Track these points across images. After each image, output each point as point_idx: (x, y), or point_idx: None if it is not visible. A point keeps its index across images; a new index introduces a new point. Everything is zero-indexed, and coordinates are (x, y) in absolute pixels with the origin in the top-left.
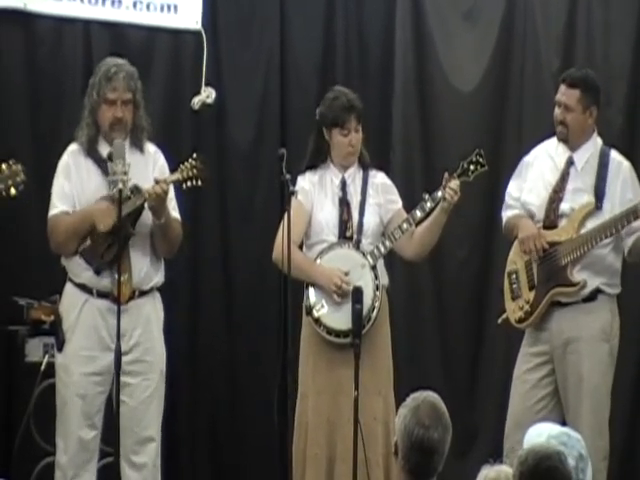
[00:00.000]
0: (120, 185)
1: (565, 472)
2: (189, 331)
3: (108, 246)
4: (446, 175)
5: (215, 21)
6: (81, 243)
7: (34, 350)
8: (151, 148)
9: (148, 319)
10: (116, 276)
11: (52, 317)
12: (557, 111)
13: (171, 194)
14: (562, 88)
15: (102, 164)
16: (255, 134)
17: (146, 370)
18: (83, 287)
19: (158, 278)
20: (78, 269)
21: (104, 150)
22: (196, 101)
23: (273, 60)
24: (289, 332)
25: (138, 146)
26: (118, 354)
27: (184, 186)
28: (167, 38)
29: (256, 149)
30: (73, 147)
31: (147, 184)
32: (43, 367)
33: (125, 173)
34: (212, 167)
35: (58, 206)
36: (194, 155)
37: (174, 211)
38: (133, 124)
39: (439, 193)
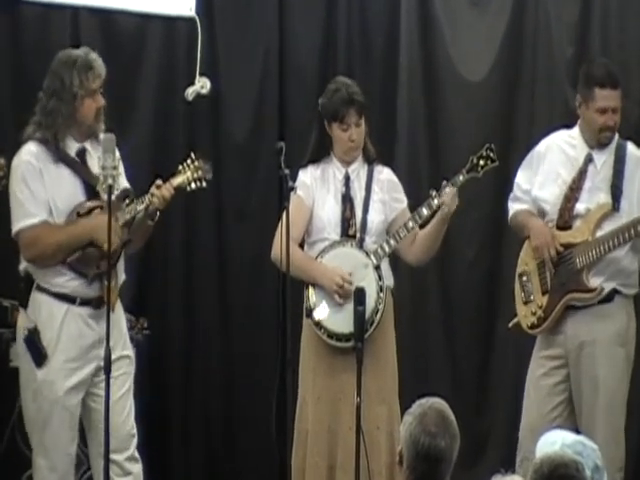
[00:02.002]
0: (110, 180)
1: None
2: (184, 332)
3: (103, 256)
4: (444, 183)
5: (210, 7)
6: (67, 257)
7: (19, 354)
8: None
9: (118, 318)
10: (105, 283)
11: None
12: (603, 118)
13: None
14: (604, 93)
15: (74, 164)
16: (252, 126)
17: (124, 365)
18: (63, 297)
19: (124, 276)
20: (59, 278)
21: (71, 149)
22: (190, 92)
23: (271, 48)
24: (288, 334)
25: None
26: (108, 359)
27: (188, 188)
28: (159, 25)
29: (253, 142)
30: (34, 147)
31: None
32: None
33: (115, 168)
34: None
35: (36, 214)
36: (192, 155)
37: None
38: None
39: (435, 201)
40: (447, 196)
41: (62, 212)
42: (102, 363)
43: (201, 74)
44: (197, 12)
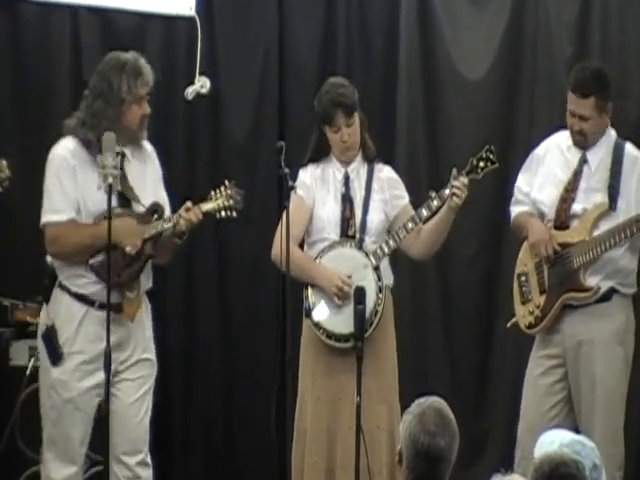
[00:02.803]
0: (110, 180)
1: None
2: (184, 333)
3: (127, 265)
4: (454, 172)
5: (210, 7)
6: (92, 256)
7: (19, 353)
8: (148, 146)
9: (142, 324)
10: (126, 292)
11: (38, 318)
12: (572, 121)
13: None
14: (574, 98)
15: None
16: (252, 126)
17: (144, 368)
18: (83, 298)
19: (149, 284)
20: (80, 280)
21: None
22: (190, 91)
23: (271, 47)
24: (287, 334)
25: (139, 143)
26: (108, 356)
27: (218, 215)
28: (159, 25)
29: (253, 142)
30: (71, 144)
31: (147, 187)
32: (29, 371)
33: (115, 167)
34: (206, 161)
35: (63, 211)
36: (226, 182)
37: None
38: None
39: (446, 191)
40: (460, 184)
41: (91, 214)
42: (120, 367)
43: (201, 73)
44: (197, 11)
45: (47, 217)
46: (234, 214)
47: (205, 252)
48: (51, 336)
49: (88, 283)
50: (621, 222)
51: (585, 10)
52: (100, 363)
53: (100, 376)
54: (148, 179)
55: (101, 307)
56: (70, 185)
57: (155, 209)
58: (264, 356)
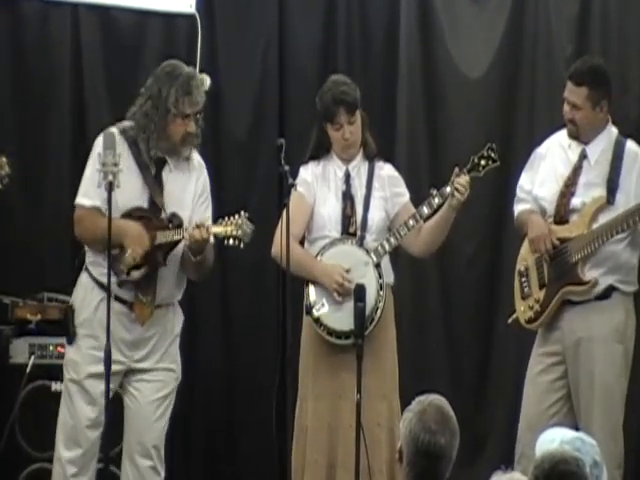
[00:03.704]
0: (110, 177)
1: (582, 477)
2: (184, 332)
3: (136, 266)
4: (456, 170)
5: (210, 4)
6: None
7: (19, 351)
8: (197, 159)
9: (165, 328)
10: (139, 294)
11: (39, 316)
12: (566, 108)
13: (208, 214)
14: (569, 85)
15: (147, 173)
16: (252, 123)
17: (161, 375)
18: (101, 285)
19: (179, 294)
20: (100, 266)
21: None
22: None
23: (271, 45)
24: (287, 332)
25: (185, 162)
26: (108, 354)
27: (225, 242)
28: (159, 22)
29: (253, 139)
30: (119, 136)
31: (185, 201)
32: (29, 369)
33: (115, 165)
34: (206, 158)
35: (92, 197)
36: (242, 213)
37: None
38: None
39: (447, 189)
40: (462, 181)
41: (119, 210)
42: (137, 366)
43: (201, 71)
44: (197, 9)
45: (77, 198)
46: (240, 245)
47: None
48: (69, 315)
49: (104, 273)
50: (619, 214)
51: (585, 8)
52: (114, 355)
53: (114, 368)
54: (187, 192)
55: (117, 299)
56: None
57: (171, 219)
58: (265, 355)
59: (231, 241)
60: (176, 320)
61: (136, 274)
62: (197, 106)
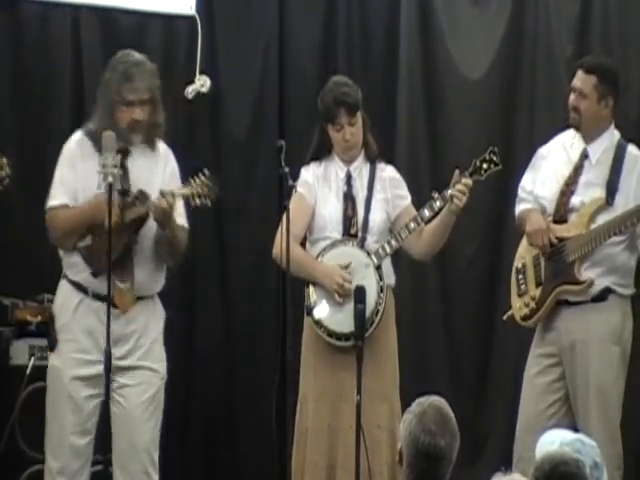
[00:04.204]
0: (110, 179)
1: (582, 479)
2: (184, 332)
3: (107, 251)
4: (456, 173)
5: (210, 6)
6: (80, 239)
7: (19, 352)
8: (162, 147)
9: (146, 325)
10: (117, 282)
11: (39, 317)
12: (571, 97)
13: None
14: (578, 73)
15: None
16: (252, 125)
17: (144, 375)
18: (78, 286)
19: (159, 285)
20: (75, 266)
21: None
22: (190, 90)
23: (271, 46)
24: (288, 333)
25: (150, 145)
26: (108, 358)
27: (192, 203)
28: (160, 24)
29: (253, 140)
30: (80, 136)
31: (154, 186)
32: (29, 370)
33: (115, 166)
34: (206, 159)
35: (59, 198)
36: (204, 171)
37: (180, 217)
38: (149, 122)
39: (449, 191)
40: (461, 187)
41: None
42: (119, 363)
43: (201, 72)
44: (197, 10)
45: (46, 206)
46: (208, 203)
47: (205, 251)
48: (49, 322)
49: (79, 269)
50: (617, 216)
51: (585, 8)
52: (95, 355)
53: (95, 369)
54: (155, 179)
55: (95, 297)
56: (69, 174)
57: (137, 196)
58: (265, 356)
59: (198, 201)
60: (157, 316)
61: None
62: (139, 93)
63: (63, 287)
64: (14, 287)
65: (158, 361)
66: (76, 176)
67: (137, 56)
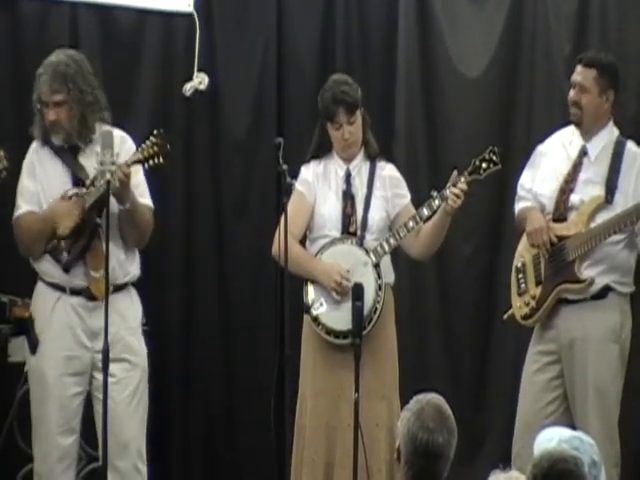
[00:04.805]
0: (108, 175)
1: (580, 476)
2: (182, 331)
3: (74, 241)
4: (454, 174)
5: (208, 3)
6: (47, 244)
7: (18, 350)
8: (118, 136)
9: (123, 316)
10: (91, 272)
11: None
12: (571, 92)
13: (139, 179)
14: (578, 68)
15: (62, 154)
16: (250, 122)
17: (124, 369)
18: (55, 286)
19: (133, 271)
20: (49, 268)
21: (58, 142)
22: (188, 88)
23: (270, 44)
24: (286, 332)
25: (84, 144)
26: (106, 353)
27: (146, 165)
28: (158, 21)
29: (252, 138)
30: (34, 144)
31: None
32: (27, 368)
33: (113, 163)
34: (205, 157)
35: (22, 207)
36: (154, 132)
37: (143, 198)
38: (77, 125)
39: (447, 191)
40: (456, 190)
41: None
42: (99, 357)
43: (199, 70)
44: (195, 8)
45: (13, 218)
46: (161, 160)
47: (203, 249)
48: (28, 325)
49: (54, 270)
50: (617, 214)
51: (584, 6)
52: (76, 351)
53: (77, 365)
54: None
55: (73, 293)
56: (29, 182)
57: (93, 181)
58: (264, 355)
59: (151, 162)
60: (134, 307)
61: (77, 247)
62: (45, 95)
63: (39, 290)
64: (12, 284)
65: (137, 354)
66: (36, 184)
67: (56, 55)
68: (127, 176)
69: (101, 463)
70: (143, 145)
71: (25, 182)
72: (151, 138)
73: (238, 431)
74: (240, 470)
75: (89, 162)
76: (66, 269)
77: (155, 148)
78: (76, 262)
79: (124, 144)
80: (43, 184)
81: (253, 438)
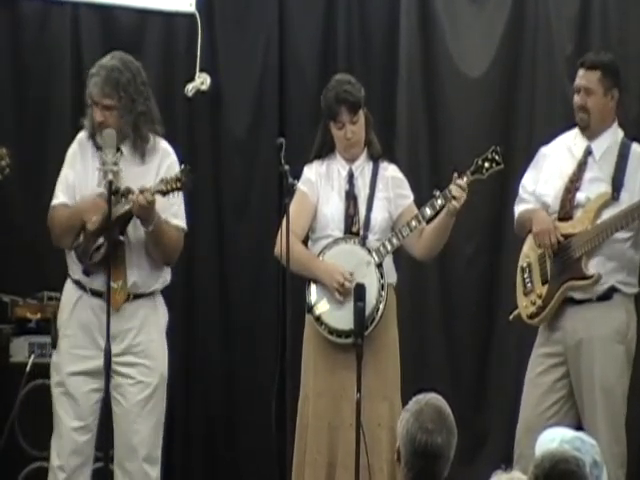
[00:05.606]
0: (110, 176)
1: (582, 477)
2: (183, 331)
3: (97, 248)
4: (455, 176)
5: (210, 3)
6: (76, 239)
7: (19, 350)
8: (162, 146)
9: (144, 322)
10: (110, 282)
11: (39, 315)
12: (576, 97)
13: (174, 199)
14: (581, 72)
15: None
16: (252, 122)
17: (141, 373)
18: (78, 283)
19: (159, 284)
20: (74, 265)
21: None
22: (190, 88)
23: (271, 44)
24: (287, 332)
25: (138, 153)
26: (108, 355)
27: (169, 195)
28: (159, 21)
29: (253, 138)
30: (82, 135)
31: (146, 182)
32: (28, 368)
33: (115, 163)
34: (206, 158)
35: (59, 197)
36: (181, 166)
37: (175, 218)
38: (132, 134)
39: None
40: (455, 191)
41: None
42: (116, 360)
43: (201, 70)
44: (197, 8)
45: (50, 204)
46: (180, 193)
47: (205, 249)
48: (52, 320)
49: (77, 269)
50: (622, 210)
51: (585, 6)
52: (93, 351)
53: (93, 364)
54: (148, 175)
55: (93, 294)
56: (69, 173)
57: (124, 194)
58: (264, 356)
59: (171, 195)
60: (158, 314)
61: (99, 255)
62: (94, 95)
63: (67, 286)
64: (14, 284)
65: (156, 359)
66: (74, 175)
67: (110, 58)
68: (150, 203)
69: (103, 464)
70: (168, 177)
71: (65, 172)
72: (177, 173)
73: (238, 431)
74: (240, 470)
75: (128, 167)
76: (86, 273)
77: (178, 184)
78: (97, 269)
79: (166, 158)
80: (81, 178)
81: (253, 438)
